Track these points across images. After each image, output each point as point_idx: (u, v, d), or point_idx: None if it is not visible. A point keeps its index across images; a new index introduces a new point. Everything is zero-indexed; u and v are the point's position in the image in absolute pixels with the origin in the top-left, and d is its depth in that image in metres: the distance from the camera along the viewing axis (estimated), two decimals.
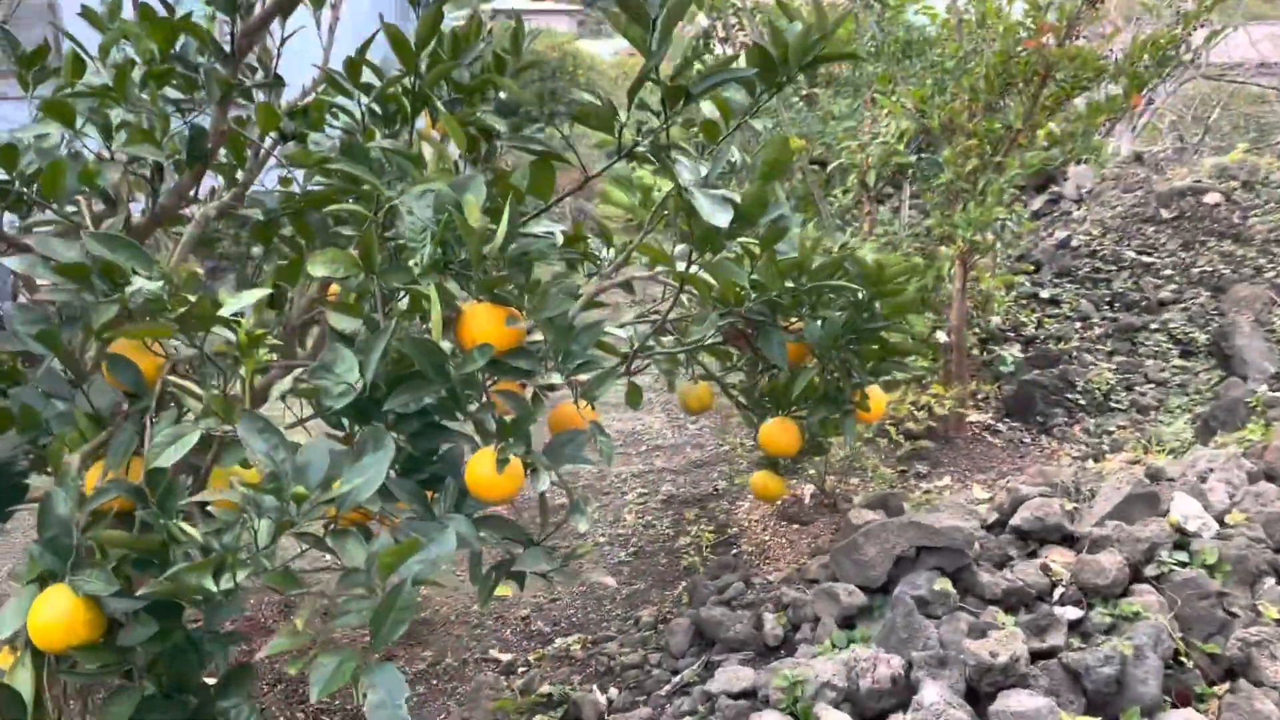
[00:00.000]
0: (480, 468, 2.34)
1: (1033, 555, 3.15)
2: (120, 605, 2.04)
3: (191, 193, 3.00)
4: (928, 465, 5.13)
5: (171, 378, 2.20)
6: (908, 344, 3.18)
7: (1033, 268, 6.93)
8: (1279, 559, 3.03)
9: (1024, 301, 6.81)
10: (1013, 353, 6.18)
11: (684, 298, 3.74)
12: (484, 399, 2.41)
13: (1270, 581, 2.95)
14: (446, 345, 2.38)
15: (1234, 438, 4.56)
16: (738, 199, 2.57)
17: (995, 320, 5.89)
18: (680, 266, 2.83)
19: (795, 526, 4.48)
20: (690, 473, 5.28)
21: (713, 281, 2.80)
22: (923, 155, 5.42)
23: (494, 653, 3.77)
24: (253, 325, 2.00)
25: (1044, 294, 6.86)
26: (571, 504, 2.59)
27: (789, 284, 2.82)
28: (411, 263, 2.17)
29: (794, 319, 3.09)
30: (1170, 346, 6.03)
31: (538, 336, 2.39)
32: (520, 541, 2.56)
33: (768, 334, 3.00)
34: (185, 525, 1.92)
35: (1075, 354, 6.10)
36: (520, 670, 3.62)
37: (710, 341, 3.27)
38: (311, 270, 2.29)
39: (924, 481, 4.93)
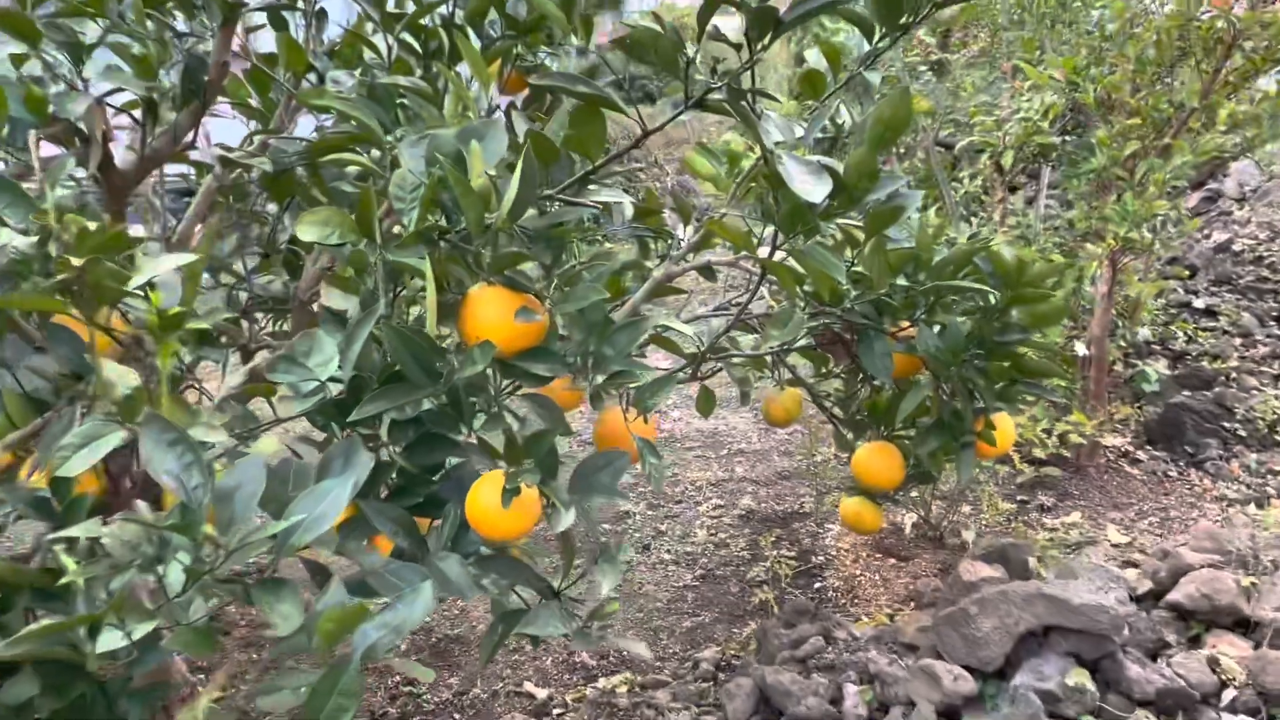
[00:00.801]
0: (482, 498, 1.84)
1: (1195, 642, 2.49)
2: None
3: (193, 135, 2.56)
4: (1053, 496, 4.42)
5: (104, 358, 1.74)
6: (1046, 363, 2.54)
7: (1187, 272, 6.07)
8: None
9: (1173, 310, 5.96)
10: (1157, 368, 5.37)
11: (773, 291, 3.18)
12: (493, 408, 1.90)
13: None
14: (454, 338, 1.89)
15: None
16: (839, 168, 1.99)
17: (1143, 332, 5.10)
18: (764, 252, 2.26)
19: (891, 561, 3.86)
20: (774, 485, 4.68)
21: (802, 272, 2.21)
22: (1068, 136, 4.67)
23: (529, 685, 3.27)
24: (171, 301, 1.52)
25: (1198, 303, 6.00)
26: (599, 551, 2.05)
27: (901, 281, 2.22)
28: (397, 229, 1.66)
29: (904, 323, 2.49)
30: None
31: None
32: (538, 590, 2.04)
33: (870, 341, 2.41)
34: (66, 559, 1.44)
35: (1234, 376, 5.26)
36: (555, 711, 3.12)
37: (797, 345, 2.69)
38: (300, 233, 1.81)
39: (1048, 516, 4.24)
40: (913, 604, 3.55)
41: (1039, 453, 4.39)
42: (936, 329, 2.41)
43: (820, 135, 2.57)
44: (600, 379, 1.80)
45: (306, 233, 1.79)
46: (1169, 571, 2.62)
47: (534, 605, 2.13)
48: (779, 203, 2.05)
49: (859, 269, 2.30)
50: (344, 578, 1.79)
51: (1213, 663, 2.34)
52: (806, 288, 2.50)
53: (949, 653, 2.41)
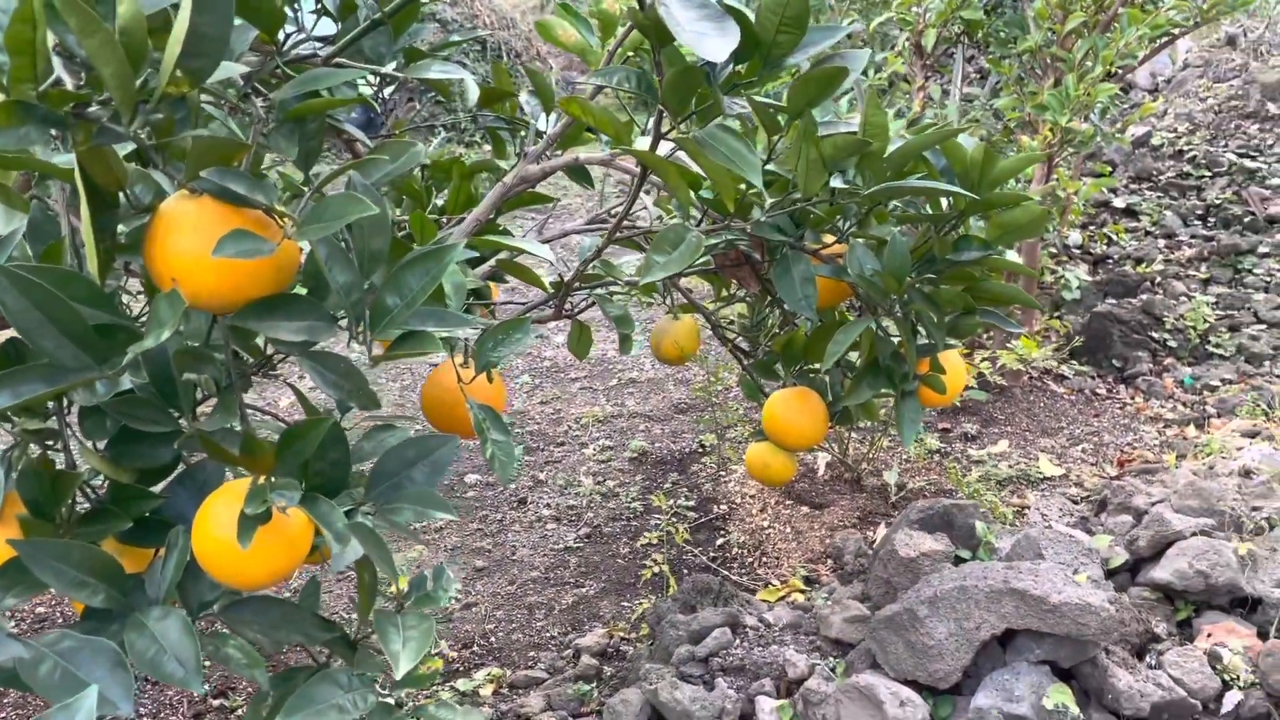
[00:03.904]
0: (212, 528, 1.20)
1: (1186, 628, 2.02)
2: None
3: None
4: (977, 423, 3.97)
5: None
6: (1011, 287, 1.99)
7: (1109, 169, 5.64)
8: None
9: (1092, 210, 5.55)
10: (1077, 274, 4.95)
11: (660, 199, 2.56)
12: (229, 386, 1.23)
13: None
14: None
15: None
16: (749, 14, 1.35)
17: (1074, 235, 4.65)
18: (644, 143, 1.63)
19: (804, 509, 3.35)
20: (670, 420, 4.11)
21: (696, 170, 1.58)
22: (994, 11, 4.10)
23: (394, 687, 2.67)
24: None
25: (1117, 202, 5.59)
26: (412, 583, 1.44)
27: (837, 181, 1.62)
28: None
29: (829, 238, 1.90)
30: None
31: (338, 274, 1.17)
32: (323, 644, 1.42)
33: (787, 264, 1.81)
34: None
35: (1161, 280, 4.88)
36: None
37: (691, 271, 2.09)
38: None
39: (973, 446, 3.78)
40: (830, 562, 3.06)
41: None
42: (868, 246, 1.82)
43: None
44: (380, 344, 1.15)
45: None
46: (1150, 541, 2.15)
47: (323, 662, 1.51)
48: (662, 68, 1.41)
49: (774, 167, 1.69)
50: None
51: (1213, 658, 1.89)
52: (705, 193, 1.88)
53: (891, 664, 1.89)
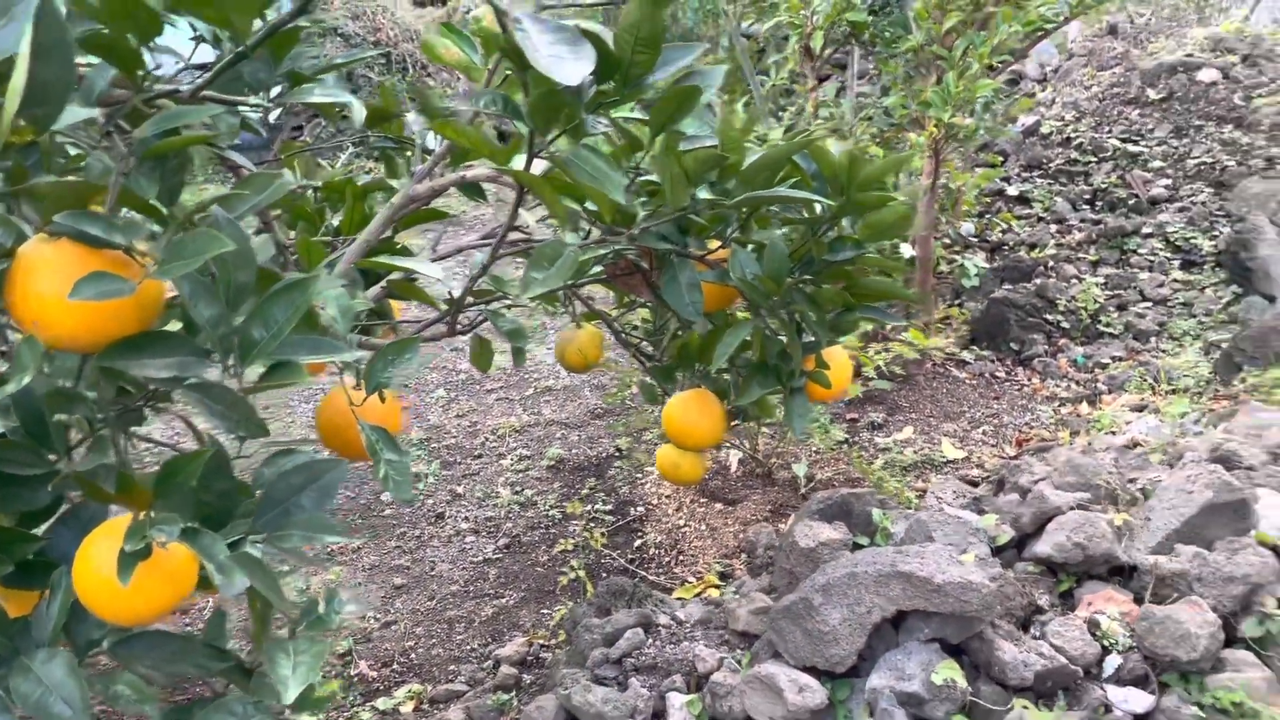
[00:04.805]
0: (92, 565, 1.20)
1: (1068, 598, 2.12)
2: None
3: None
4: (883, 412, 4.09)
5: None
6: (887, 283, 2.07)
7: (1000, 159, 5.84)
8: None
9: (987, 200, 5.73)
10: (976, 262, 5.12)
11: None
12: (101, 422, 1.24)
13: None
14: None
15: (1271, 377, 3.58)
16: (606, 35, 1.40)
17: (967, 226, 4.80)
18: (521, 162, 1.66)
19: (718, 506, 3.41)
20: (587, 426, 4.15)
21: (572, 185, 1.62)
22: (880, 12, 4.22)
23: (290, 712, 2.65)
24: None
25: (1011, 190, 5.79)
26: (304, 608, 1.46)
27: (703, 193, 1.67)
28: None
29: (715, 244, 1.95)
30: (1169, 256, 5.02)
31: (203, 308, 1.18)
32: (219, 674, 1.42)
33: (673, 271, 1.86)
34: None
35: (1053, 264, 5.07)
36: None
37: (584, 281, 2.13)
38: None
39: (880, 435, 3.89)
40: (745, 556, 3.13)
41: (866, 370, 4.03)
42: (753, 250, 1.88)
43: None
44: (244, 368, 1.17)
45: None
46: (1032, 517, 2.26)
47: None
48: (527, 89, 1.45)
49: (653, 176, 1.74)
50: None
51: (1093, 626, 1.99)
52: (590, 205, 1.93)
53: (790, 652, 1.96)
